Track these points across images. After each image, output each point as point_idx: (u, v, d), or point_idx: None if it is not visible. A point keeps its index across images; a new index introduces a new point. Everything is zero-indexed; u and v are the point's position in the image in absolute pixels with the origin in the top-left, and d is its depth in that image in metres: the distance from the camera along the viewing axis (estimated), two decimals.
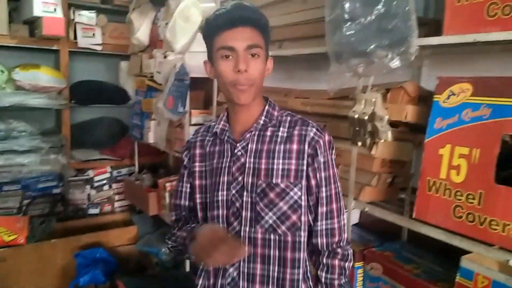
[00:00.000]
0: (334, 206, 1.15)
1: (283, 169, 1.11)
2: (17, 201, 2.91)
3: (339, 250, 1.15)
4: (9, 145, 2.68)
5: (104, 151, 3.26)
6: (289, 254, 1.12)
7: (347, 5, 1.24)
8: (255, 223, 1.12)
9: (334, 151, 1.18)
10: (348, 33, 1.25)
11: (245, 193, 1.13)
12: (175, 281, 2.47)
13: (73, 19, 2.93)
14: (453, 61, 1.48)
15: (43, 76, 2.78)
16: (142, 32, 2.72)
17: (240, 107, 1.14)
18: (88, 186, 3.20)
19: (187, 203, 1.28)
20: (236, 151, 1.15)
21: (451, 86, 1.16)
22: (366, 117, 1.30)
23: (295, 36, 1.73)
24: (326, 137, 1.14)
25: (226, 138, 1.18)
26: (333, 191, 1.15)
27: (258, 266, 1.13)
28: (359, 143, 1.35)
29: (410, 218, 1.26)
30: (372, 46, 1.23)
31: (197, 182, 1.23)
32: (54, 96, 2.86)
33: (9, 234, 2.42)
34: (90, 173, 3.20)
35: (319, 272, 1.16)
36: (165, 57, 2.28)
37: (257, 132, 1.15)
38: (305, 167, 1.12)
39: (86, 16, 2.96)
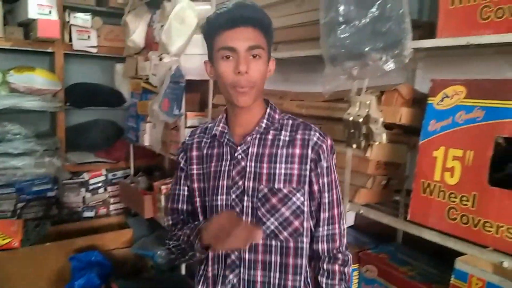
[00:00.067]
0: (336, 211, 1.14)
1: (285, 174, 1.09)
2: (11, 204, 2.89)
3: (339, 255, 1.14)
4: (3, 148, 2.67)
5: (99, 153, 3.25)
6: (291, 260, 1.10)
7: (341, 8, 1.24)
8: None
9: (335, 155, 1.16)
10: (342, 35, 1.26)
11: (245, 198, 1.10)
12: (171, 284, 2.46)
13: (68, 22, 2.93)
14: (447, 64, 1.48)
15: (38, 78, 2.77)
16: (137, 35, 2.72)
17: (241, 109, 1.10)
18: (83, 189, 3.19)
19: (185, 206, 1.24)
20: (236, 154, 1.12)
21: (445, 88, 1.17)
22: (360, 120, 1.31)
23: (290, 38, 1.73)
24: (329, 142, 1.13)
25: (225, 141, 1.15)
26: (334, 196, 1.14)
27: (259, 273, 1.10)
28: (354, 145, 1.36)
29: (404, 220, 1.27)
30: (366, 49, 1.23)
31: (195, 185, 1.19)
32: (49, 99, 2.85)
33: (3, 237, 2.40)
34: (85, 176, 3.19)
35: (319, 278, 1.13)
36: (160, 59, 2.27)
37: (258, 136, 1.12)
38: (308, 172, 1.10)
39: (81, 19, 2.95)
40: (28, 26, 2.84)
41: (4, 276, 2.38)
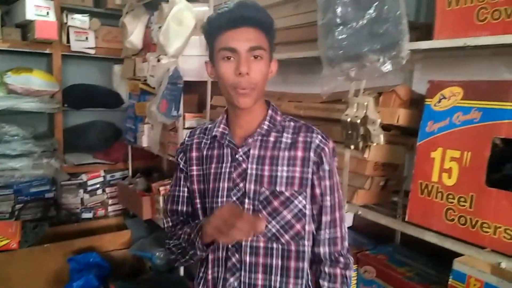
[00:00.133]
0: (337, 214, 1.12)
1: (287, 177, 1.07)
2: (9, 206, 2.89)
3: (341, 258, 1.13)
4: (1, 149, 2.66)
5: (98, 155, 3.25)
6: (292, 264, 1.09)
7: (339, 10, 1.24)
8: None
9: (336, 158, 1.15)
10: (340, 37, 1.26)
11: (246, 200, 1.08)
12: (169, 285, 2.46)
13: (66, 23, 2.92)
14: (445, 65, 1.49)
15: (36, 79, 2.77)
16: (135, 36, 2.72)
17: (242, 111, 1.09)
18: (81, 190, 3.19)
19: (185, 208, 1.22)
20: (237, 156, 1.10)
21: (442, 89, 1.17)
22: (358, 121, 1.31)
23: (288, 40, 1.73)
24: (331, 144, 1.11)
25: (226, 142, 1.13)
26: (336, 200, 1.12)
27: (260, 276, 1.08)
28: (352, 147, 1.36)
29: (403, 221, 1.27)
30: (364, 50, 1.23)
31: (195, 186, 1.17)
32: (46, 100, 2.85)
33: (1, 239, 2.40)
34: (83, 177, 3.19)
35: (321, 281, 1.12)
36: (158, 60, 2.27)
37: (259, 138, 1.11)
38: (310, 175, 1.08)
39: (79, 20, 2.95)
40: (25, 27, 2.84)
41: (2, 278, 2.38)
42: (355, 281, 1.52)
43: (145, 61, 2.52)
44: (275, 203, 1.07)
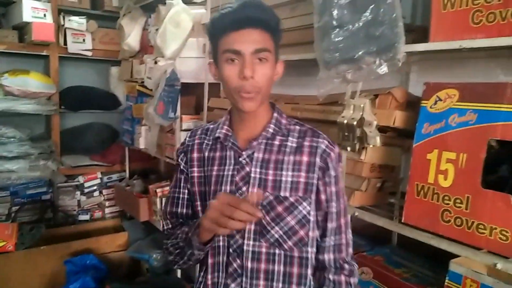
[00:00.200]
0: (342, 221, 1.10)
1: (292, 182, 1.05)
2: (5, 208, 2.88)
3: (345, 265, 1.10)
4: None
5: (94, 157, 3.24)
6: (295, 270, 1.06)
7: (335, 12, 1.25)
8: (260, 236, 1.05)
9: (341, 163, 1.13)
10: (336, 39, 1.27)
11: None
12: (166, 287, 2.46)
13: (63, 25, 2.93)
14: (441, 67, 1.50)
15: (33, 81, 2.76)
16: (132, 38, 2.72)
17: (246, 114, 1.06)
18: (78, 192, 3.19)
19: (184, 210, 1.19)
20: (240, 159, 1.07)
21: (438, 91, 1.17)
22: (355, 123, 1.31)
23: (285, 42, 1.72)
24: (336, 150, 1.09)
25: (229, 144, 1.10)
26: (342, 206, 1.10)
27: (261, 282, 1.05)
28: (348, 148, 1.36)
29: (399, 222, 1.27)
30: (360, 53, 1.24)
31: (196, 188, 1.14)
32: (43, 102, 2.85)
33: None
34: (80, 179, 3.19)
35: None
36: (155, 62, 2.28)
37: (264, 141, 1.08)
38: (315, 181, 1.05)
39: (76, 22, 2.95)
40: (22, 29, 2.84)
41: None
42: None
43: (142, 63, 2.52)
44: (279, 209, 1.04)
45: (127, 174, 3.24)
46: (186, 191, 1.18)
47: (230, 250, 1.07)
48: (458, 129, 1.12)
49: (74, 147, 3.16)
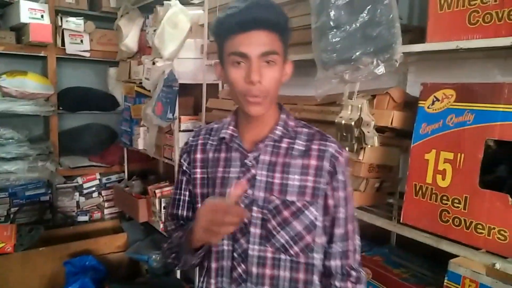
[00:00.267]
0: (350, 227, 1.06)
1: (299, 186, 1.01)
2: (4, 209, 2.88)
3: (352, 272, 1.06)
4: None
5: (93, 157, 3.24)
6: (301, 276, 1.03)
7: (332, 13, 1.25)
8: (265, 241, 1.02)
9: (349, 168, 1.09)
10: (333, 40, 1.27)
11: (255, 208, 1.01)
12: None
13: (61, 26, 2.92)
14: (438, 68, 1.50)
15: (30, 82, 2.76)
16: (130, 39, 2.72)
17: (253, 116, 1.02)
18: (77, 193, 3.19)
19: (185, 213, 1.16)
20: (246, 161, 1.04)
21: (435, 92, 1.18)
22: (353, 123, 1.31)
23: None
24: (345, 154, 1.05)
25: (235, 145, 1.06)
26: (350, 212, 1.06)
27: None
28: (347, 149, 1.36)
29: (398, 222, 1.27)
30: (357, 53, 1.24)
31: (198, 190, 1.11)
32: (41, 103, 2.85)
33: None
34: (79, 180, 3.19)
35: None
36: (153, 63, 2.28)
37: (271, 143, 1.04)
38: (323, 185, 1.02)
39: (73, 23, 2.95)
40: (20, 30, 2.83)
41: None
42: None
43: (141, 64, 2.52)
44: (286, 213, 1.01)
45: (125, 175, 3.24)
46: (187, 193, 1.16)
47: (235, 254, 1.04)
48: (455, 129, 1.12)
49: (73, 148, 3.15)
